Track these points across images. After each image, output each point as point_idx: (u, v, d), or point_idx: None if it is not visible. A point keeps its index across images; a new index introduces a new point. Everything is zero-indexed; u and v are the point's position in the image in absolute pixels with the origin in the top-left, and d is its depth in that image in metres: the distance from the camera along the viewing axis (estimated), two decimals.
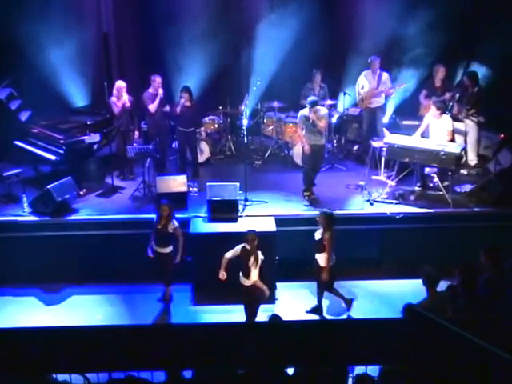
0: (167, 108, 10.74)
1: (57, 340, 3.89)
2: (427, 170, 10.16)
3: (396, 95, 11.54)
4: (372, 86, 11.15)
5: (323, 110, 9.79)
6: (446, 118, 9.97)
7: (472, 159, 10.87)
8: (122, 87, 10.50)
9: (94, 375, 4.03)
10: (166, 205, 8.35)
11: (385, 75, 11.16)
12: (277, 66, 12.07)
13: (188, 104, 10.54)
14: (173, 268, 8.50)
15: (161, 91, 10.56)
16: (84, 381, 4.38)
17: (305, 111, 9.67)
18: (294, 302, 8.65)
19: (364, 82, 11.24)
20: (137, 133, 11.21)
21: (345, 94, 11.83)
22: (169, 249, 8.45)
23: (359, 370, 4.47)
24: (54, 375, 4.19)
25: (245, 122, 11.16)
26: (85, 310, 8.63)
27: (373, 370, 4.50)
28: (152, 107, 10.59)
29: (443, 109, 10.01)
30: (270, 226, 8.81)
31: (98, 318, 8.37)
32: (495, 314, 5.45)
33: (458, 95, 10.85)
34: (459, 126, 10.75)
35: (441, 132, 9.83)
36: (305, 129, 9.67)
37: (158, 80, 10.59)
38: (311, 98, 9.71)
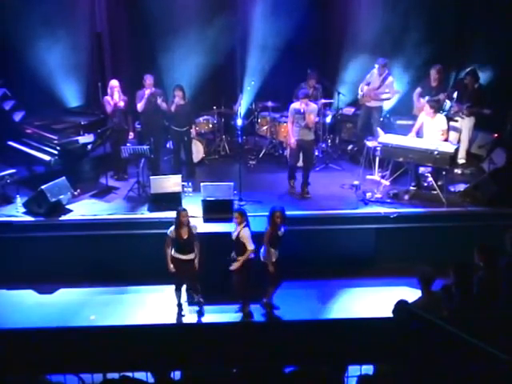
0: (164, 106, 10.69)
1: (51, 340, 3.88)
2: (421, 169, 10.18)
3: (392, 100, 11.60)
4: (374, 85, 11.17)
5: (312, 106, 9.97)
6: (440, 117, 9.99)
7: (461, 157, 10.93)
8: (115, 86, 10.47)
9: (89, 376, 4.02)
10: (185, 210, 8.12)
11: (389, 79, 11.14)
12: (271, 65, 12.09)
13: (182, 102, 10.53)
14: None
15: (148, 91, 10.48)
16: (78, 381, 4.37)
17: (296, 104, 9.87)
18: (288, 301, 8.63)
19: (370, 79, 11.27)
20: (131, 133, 11.18)
21: (339, 93, 11.83)
22: (193, 254, 8.18)
23: (354, 369, 4.47)
24: (48, 376, 4.18)
25: (239, 121, 11.18)
26: (79, 310, 8.61)
27: (367, 370, 4.50)
28: (139, 106, 10.59)
29: (437, 108, 10.04)
30: (263, 225, 8.79)
31: (92, 319, 8.35)
32: (490, 313, 5.46)
33: (455, 95, 10.86)
34: (454, 125, 10.78)
35: (435, 131, 9.84)
36: (294, 122, 9.84)
37: (148, 81, 10.54)
38: (303, 91, 10.06)
